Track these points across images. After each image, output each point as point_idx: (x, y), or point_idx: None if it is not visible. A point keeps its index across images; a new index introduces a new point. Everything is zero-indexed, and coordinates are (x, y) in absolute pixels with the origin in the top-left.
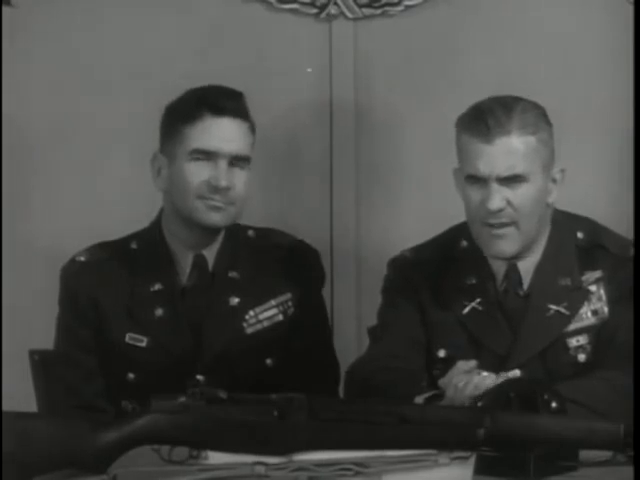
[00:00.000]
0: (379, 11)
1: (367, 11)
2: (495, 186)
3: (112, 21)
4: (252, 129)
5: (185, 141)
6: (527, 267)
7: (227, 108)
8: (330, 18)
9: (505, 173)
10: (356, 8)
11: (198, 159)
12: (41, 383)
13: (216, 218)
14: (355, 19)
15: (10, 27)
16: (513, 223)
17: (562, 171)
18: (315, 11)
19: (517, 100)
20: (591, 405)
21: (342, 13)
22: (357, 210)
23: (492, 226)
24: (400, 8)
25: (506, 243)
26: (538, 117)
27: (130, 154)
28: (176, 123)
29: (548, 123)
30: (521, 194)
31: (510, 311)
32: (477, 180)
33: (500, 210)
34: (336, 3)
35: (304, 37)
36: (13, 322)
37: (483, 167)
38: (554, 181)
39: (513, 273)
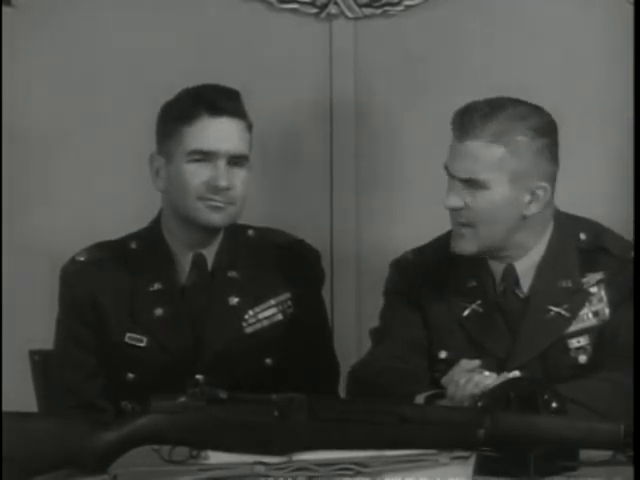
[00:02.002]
0: (379, 11)
1: (367, 11)
2: (456, 185)
3: (112, 21)
4: (249, 127)
5: (183, 142)
6: (525, 268)
7: (225, 108)
8: (330, 18)
9: (463, 175)
10: (356, 8)
11: (197, 160)
12: (41, 383)
13: (217, 218)
14: (355, 19)
15: (10, 27)
16: (470, 225)
17: (544, 189)
18: (315, 11)
19: (505, 106)
20: (591, 405)
21: (342, 13)
22: (357, 210)
23: (454, 223)
24: (400, 8)
25: (464, 242)
26: (517, 129)
27: (130, 154)
28: (173, 123)
29: (533, 137)
30: (480, 199)
31: (510, 313)
32: (449, 176)
33: (457, 209)
34: (336, 3)
35: (304, 37)
36: (13, 322)
37: (450, 164)
38: (534, 195)
39: (510, 274)
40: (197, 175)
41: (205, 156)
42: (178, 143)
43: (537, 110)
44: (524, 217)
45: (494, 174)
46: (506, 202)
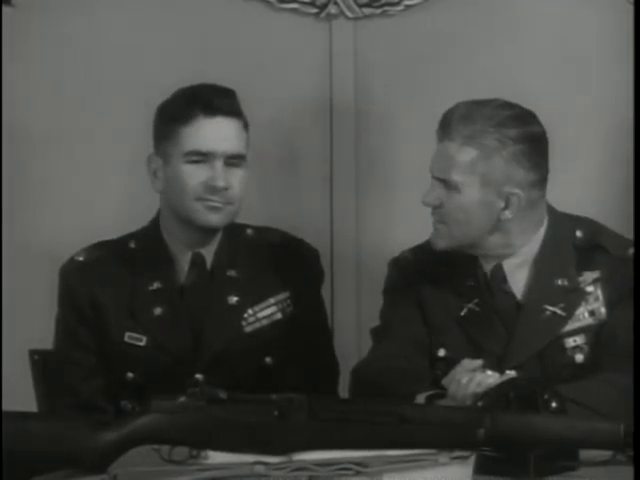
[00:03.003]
0: (379, 11)
1: (367, 11)
2: (435, 183)
3: (112, 21)
4: (245, 126)
5: (180, 142)
6: (514, 266)
7: (220, 107)
8: (330, 18)
9: (439, 175)
10: (356, 8)
11: (194, 161)
12: (41, 383)
13: (215, 218)
14: (355, 19)
15: (10, 27)
16: (443, 222)
17: (517, 196)
18: (315, 11)
19: (485, 109)
20: (593, 406)
21: (342, 13)
22: (357, 210)
23: (433, 219)
24: (400, 8)
25: (438, 237)
26: (490, 134)
27: (129, 154)
28: (169, 124)
29: (506, 143)
30: (452, 200)
31: (505, 312)
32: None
33: (433, 206)
34: (336, 3)
35: (304, 37)
36: (13, 322)
37: (431, 163)
38: (508, 201)
39: (497, 272)
40: (194, 176)
41: (202, 157)
42: (175, 144)
43: (521, 117)
44: (500, 220)
45: (466, 177)
46: (477, 206)
